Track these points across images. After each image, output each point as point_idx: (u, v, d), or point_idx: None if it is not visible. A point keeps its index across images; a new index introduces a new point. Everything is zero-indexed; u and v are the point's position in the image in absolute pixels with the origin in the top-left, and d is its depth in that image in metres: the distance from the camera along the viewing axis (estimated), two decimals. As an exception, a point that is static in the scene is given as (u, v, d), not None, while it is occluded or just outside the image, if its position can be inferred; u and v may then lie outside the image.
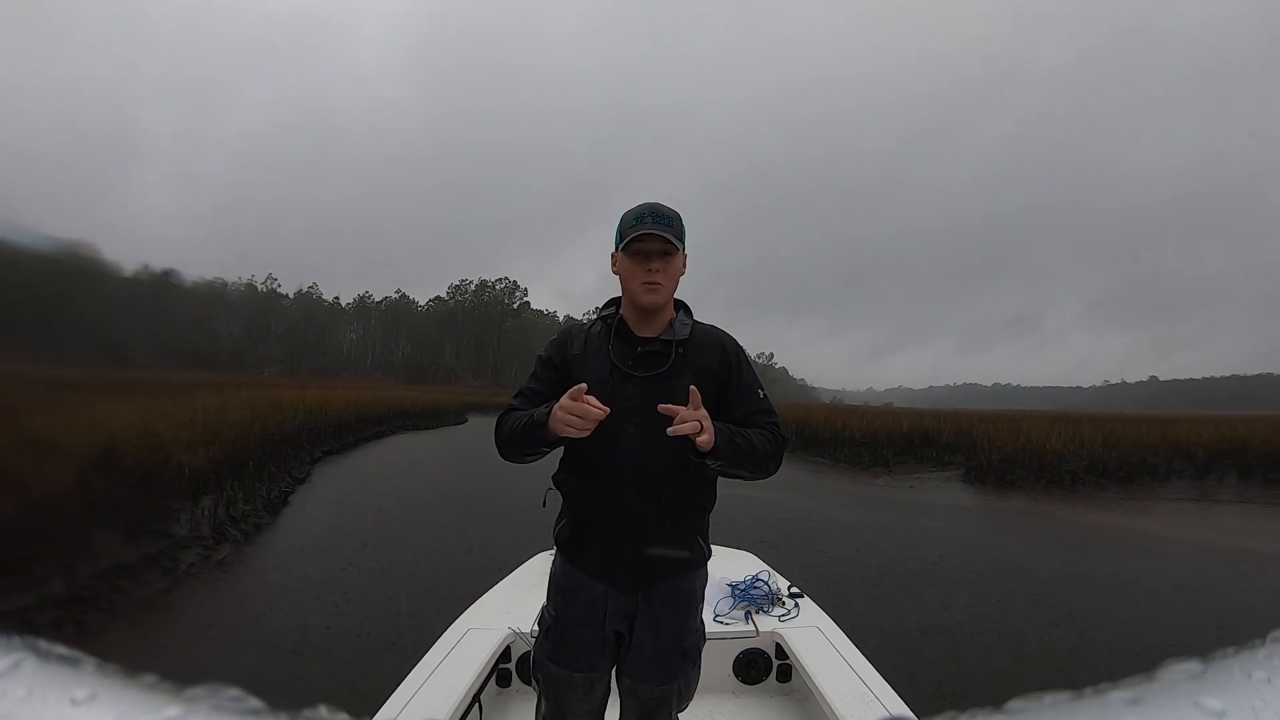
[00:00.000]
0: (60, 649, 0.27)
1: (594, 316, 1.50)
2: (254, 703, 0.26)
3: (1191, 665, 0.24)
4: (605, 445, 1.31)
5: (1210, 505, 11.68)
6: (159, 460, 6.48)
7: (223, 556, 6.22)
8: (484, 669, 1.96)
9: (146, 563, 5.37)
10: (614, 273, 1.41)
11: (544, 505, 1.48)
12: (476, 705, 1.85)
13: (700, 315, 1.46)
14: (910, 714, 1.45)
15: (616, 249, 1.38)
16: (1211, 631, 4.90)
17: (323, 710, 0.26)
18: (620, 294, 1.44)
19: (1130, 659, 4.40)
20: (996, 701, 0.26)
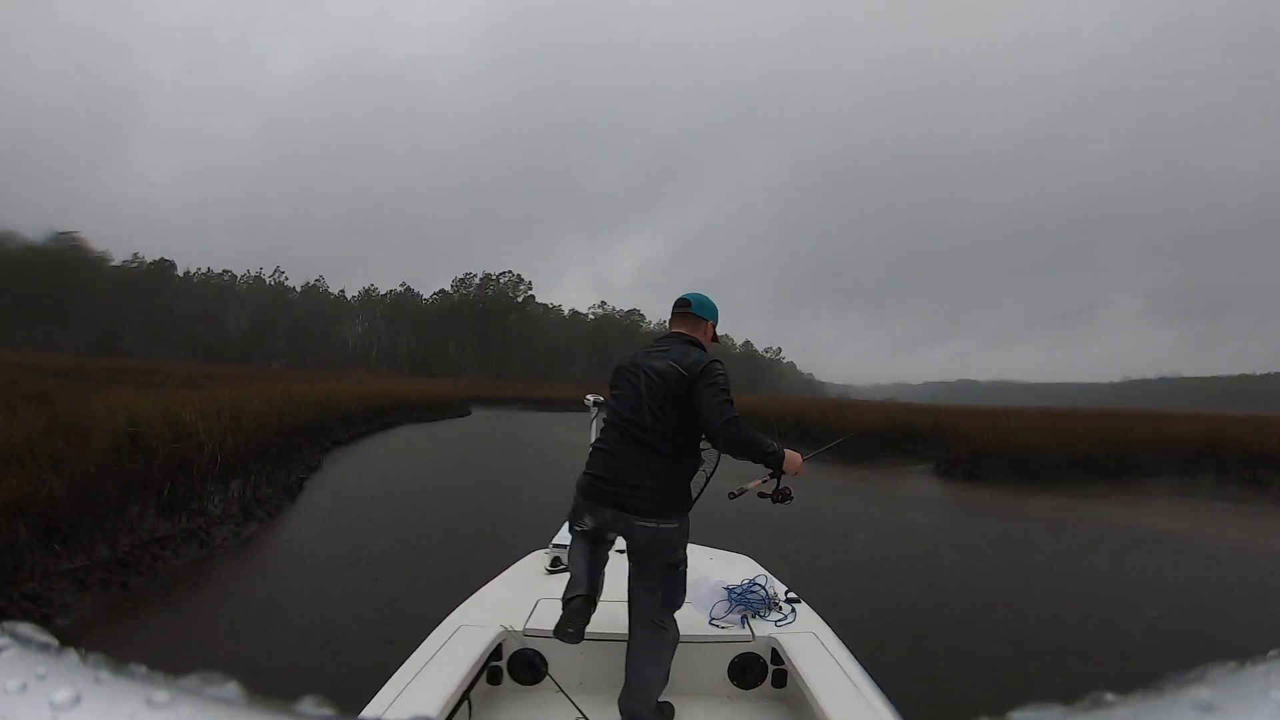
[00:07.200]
0: (45, 637, 0.26)
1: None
2: (242, 693, 0.26)
3: (1194, 677, 0.23)
4: None
5: (1186, 500, 12.04)
6: (194, 446, 7.15)
7: (250, 533, 6.90)
8: (475, 666, 1.95)
9: (186, 535, 6.06)
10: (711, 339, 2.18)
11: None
12: (466, 703, 1.84)
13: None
14: None
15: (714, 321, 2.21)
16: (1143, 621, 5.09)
17: (310, 703, 0.26)
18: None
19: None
20: (990, 712, 0.26)
